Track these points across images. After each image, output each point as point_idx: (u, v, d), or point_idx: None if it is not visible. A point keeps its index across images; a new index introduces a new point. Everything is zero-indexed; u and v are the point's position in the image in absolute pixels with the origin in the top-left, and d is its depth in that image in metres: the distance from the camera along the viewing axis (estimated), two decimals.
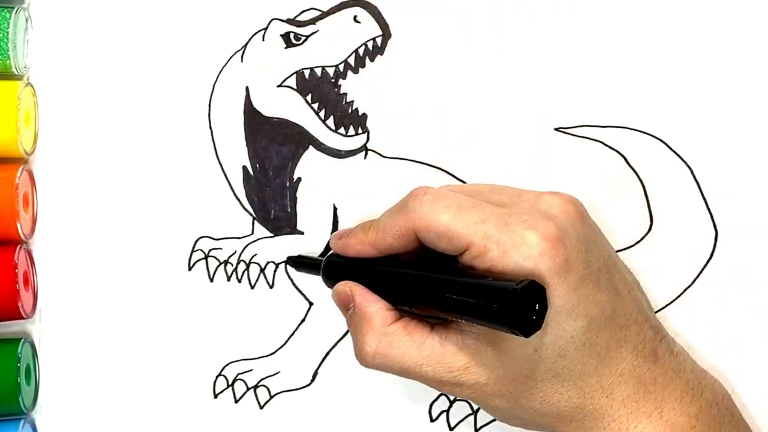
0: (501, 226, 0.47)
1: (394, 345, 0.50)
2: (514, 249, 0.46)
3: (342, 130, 0.60)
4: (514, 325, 0.43)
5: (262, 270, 0.60)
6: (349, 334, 0.59)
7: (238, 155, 0.60)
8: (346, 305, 0.52)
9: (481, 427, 0.59)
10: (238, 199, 0.60)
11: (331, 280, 0.54)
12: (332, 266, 0.54)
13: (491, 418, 0.58)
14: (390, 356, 0.50)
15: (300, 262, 0.58)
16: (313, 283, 0.60)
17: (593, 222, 0.51)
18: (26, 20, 0.61)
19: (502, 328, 0.44)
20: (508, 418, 0.51)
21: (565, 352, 0.47)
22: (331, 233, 0.60)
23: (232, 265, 0.60)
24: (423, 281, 0.49)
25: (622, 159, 0.59)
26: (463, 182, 0.59)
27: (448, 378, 0.49)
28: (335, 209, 0.60)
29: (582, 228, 0.49)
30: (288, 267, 0.60)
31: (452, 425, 0.59)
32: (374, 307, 0.51)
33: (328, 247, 0.59)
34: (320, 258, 0.56)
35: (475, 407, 0.59)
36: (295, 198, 0.60)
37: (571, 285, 0.47)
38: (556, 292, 0.46)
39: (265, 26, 0.61)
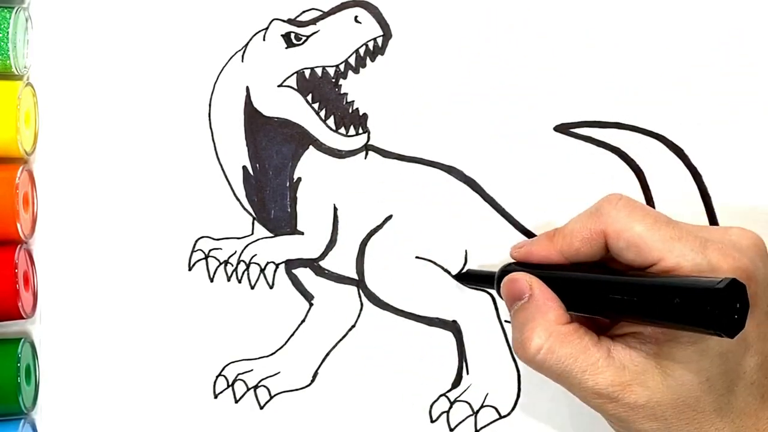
0: (698, 247, 0.47)
1: (564, 344, 0.48)
2: (709, 273, 0.46)
3: (342, 130, 0.60)
4: (717, 326, 0.42)
5: (262, 270, 0.60)
6: (349, 334, 0.59)
7: (238, 155, 0.60)
8: (519, 295, 0.51)
9: (482, 428, 0.59)
10: (238, 199, 0.60)
11: None
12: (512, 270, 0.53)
13: (491, 419, 0.58)
14: (556, 354, 0.48)
15: (469, 277, 0.58)
16: (313, 283, 0.60)
17: None
18: (26, 20, 0.61)
19: (703, 330, 0.43)
20: None
21: (734, 387, 0.47)
22: (331, 233, 0.60)
23: (232, 266, 0.60)
24: (612, 284, 0.48)
25: (622, 159, 0.59)
26: (464, 183, 0.59)
27: (607, 392, 0.47)
28: (335, 209, 0.60)
29: (765, 266, 0.48)
30: (288, 268, 0.60)
31: (452, 426, 0.59)
32: (553, 302, 0.50)
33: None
34: (489, 271, 0.55)
35: (476, 408, 0.59)
36: (295, 198, 0.60)
37: (756, 320, 0.46)
38: None
39: (265, 26, 0.61)
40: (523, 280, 0.51)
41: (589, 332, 0.49)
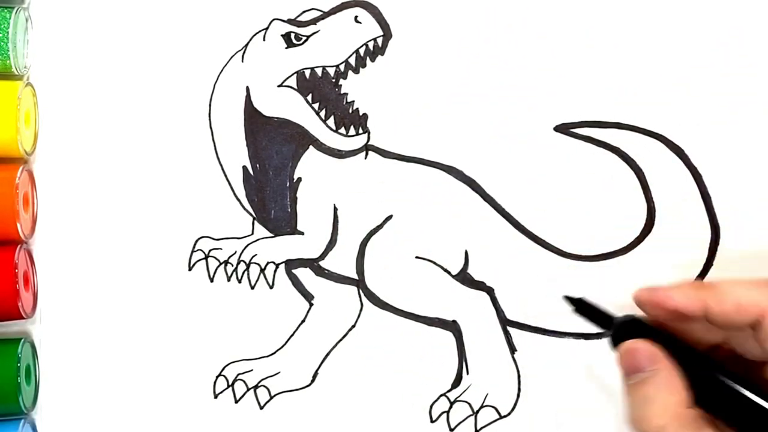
0: None
1: (684, 429, 0.45)
2: None
3: (342, 130, 0.60)
4: None
5: (262, 270, 0.60)
6: (349, 334, 0.59)
7: (238, 155, 0.60)
8: (640, 367, 0.47)
9: (482, 428, 0.59)
10: (238, 199, 0.60)
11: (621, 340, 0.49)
12: (631, 326, 0.49)
13: (491, 419, 0.58)
14: None
15: (584, 308, 0.51)
16: (313, 283, 0.60)
17: None
18: (26, 20, 0.61)
19: None
20: None
21: None
22: (331, 233, 0.60)
23: (232, 266, 0.60)
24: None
25: (622, 159, 0.59)
26: (464, 183, 0.59)
27: None
28: (335, 209, 0.60)
29: None
30: (288, 268, 0.60)
31: (452, 426, 0.59)
32: (678, 382, 0.47)
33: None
34: (608, 312, 0.50)
35: (476, 408, 0.59)
36: (295, 198, 0.60)
37: None
38: None
39: (266, 26, 0.61)
40: (653, 351, 0.47)
41: (711, 422, 0.46)
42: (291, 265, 0.60)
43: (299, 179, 0.60)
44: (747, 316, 0.46)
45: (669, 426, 0.46)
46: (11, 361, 0.58)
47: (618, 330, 0.49)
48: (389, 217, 0.60)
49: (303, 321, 0.60)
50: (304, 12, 0.61)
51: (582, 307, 0.51)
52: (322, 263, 0.60)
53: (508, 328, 0.59)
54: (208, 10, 0.61)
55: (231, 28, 0.61)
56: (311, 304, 0.60)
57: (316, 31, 0.60)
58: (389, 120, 0.60)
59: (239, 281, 0.60)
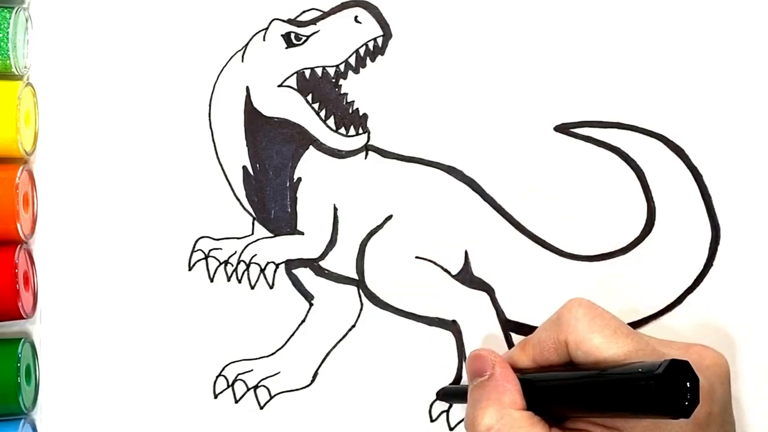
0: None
1: (514, 430, 0.48)
2: None
3: (342, 130, 0.60)
4: (665, 408, 0.42)
5: (262, 270, 0.60)
6: (349, 334, 0.59)
7: (238, 155, 0.60)
8: (480, 372, 0.52)
9: None
10: (238, 199, 0.60)
11: None
12: None
13: None
14: None
15: (448, 394, 0.58)
16: (313, 283, 0.60)
17: (729, 385, 0.50)
18: (26, 20, 0.61)
19: (655, 415, 0.44)
20: None
21: None
22: (331, 233, 0.60)
23: (232, 266, 0.60)
24: (565, 383, 0.49)
25: (622, 159, 0.59)
26: (464, 183, 0.59)
27: None
28: (335, 209, 0.60)
29: (724, 388, 0.49)
30: (288, 268, 0.60)
31: (452, 425, 0.59)
32: (511, 385, 0.50)
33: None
34: (464, 387, 0.56)
35: None
36: (296, 198, 0.60)
37: None
38: None
39: (266, 26, 0.61)
40: (488, 358, 0.52)
41: (541, 422, 0.49)
42: (291, 265, 0.60)
43: (299, 179, 0.60)
44: (561, 353, 0.50)
45: (496, 425, 0.49)
46: (11, 361, 0.58)
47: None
48: (389, 217, 0.60)
49: (303, 321, 0.60)
50: (304, 12, 0.61)
51: (447, 396, 0.58)
52: (322, 263, 0.60)
53: (508, 328, 0.59)
54: (208, 10, 0.61)
55: (231, 28, 0.61)
56: (311, 304, 0.60)
57: (316, 31, 0.60)
58: (389, 120, 0.60)
59: (239, 281, 0.60)
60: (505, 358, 0.53)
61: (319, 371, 0.60)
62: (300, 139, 0.60)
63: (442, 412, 0.59)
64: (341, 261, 0.60)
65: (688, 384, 0.43)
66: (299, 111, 0.60)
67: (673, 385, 0.43)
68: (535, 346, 0.51)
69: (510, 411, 0.49)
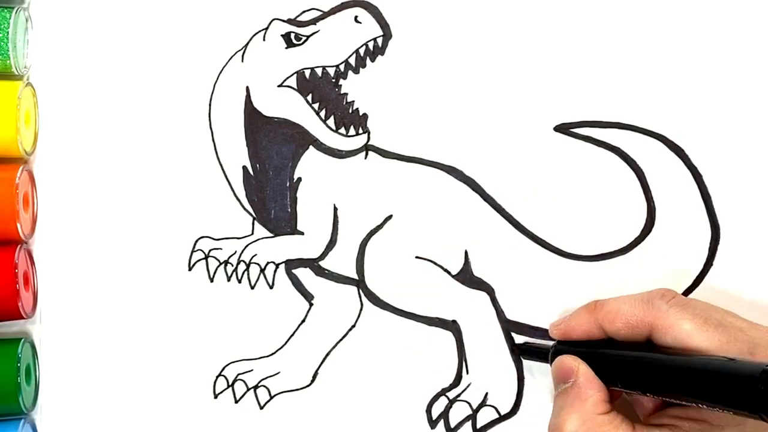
0: (745, 352, 0.47)
1: None
2: None
3: (342, 130, 0.60)
4: (763, 409, 0.42)
5: (262, 270, 0.60)
6: (349, 334, 0.59)
7: (238, 155, 0.60)
8: (565, 378, 0.52)
9: (481, 428, 0.59)
10: (238, 199, 0.60)
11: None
12: (560, 354, 0.54)
13: (491, 419, 0.58)
14: None
15: (527, 350, 0.58)
16: (313, 283, 0.60)
17: None
18: (26, 20, 0.61)
19: (747, 414, 0.44)
20: None
21: None
22: (331, 233, 0.60)
23: (232, 266, 0.60)
24: (661, 366, 0.49)
25: (622, 159, 0.59)
26: (464, 183, 0.59)
27: None
28: (335, 209, 0.60)
29: None
30: (288, 268, 0.60)
31: (452, 425, 0.59)
32: (594, 390, 0.51)
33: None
34: (547, 345, 0.56)
35: (475, 407, 0.59)
36: (295, 198, 0.60)
37: None
38: None
39: (266, 26, 0.61)
40: (572, 365, 0.52)
41: (625, 421, 0.49)
42: (291, 265, 0.60)
43: (299, 179, 0.60)
44: (636, 332, 0.51)
45: (580, 430, 0.50)
46: (11, 361, 0.58)
47: (555, 354, 0.54)
48: (389, 217, 0.60)
49: (303, 321, 0.60)
50: (304, 12, 0.61)
51: (526, 351, 0.58)
52: (322, 263, 0.60)
53: (509, 328, 0.59)
54: (208, 10, 0.61)
55: (231, 28, 0.61)
56: (311, 304, 0.60)
57: (316, 31, 0.60)
58: (389, 120, 0.60)
59: (239, 281, 0.60)
60: (566, 325, 0.54)
61: (319, 371, 0.60)
62: (300, 139, 0.60)
63: (442, 412, 0.59)
64: (341, 261, 0.60)
65: None
66: (299, 111, 0.60)
67: None
68: (608, 314, 0.51)
69: (593, 416, 0.50)
